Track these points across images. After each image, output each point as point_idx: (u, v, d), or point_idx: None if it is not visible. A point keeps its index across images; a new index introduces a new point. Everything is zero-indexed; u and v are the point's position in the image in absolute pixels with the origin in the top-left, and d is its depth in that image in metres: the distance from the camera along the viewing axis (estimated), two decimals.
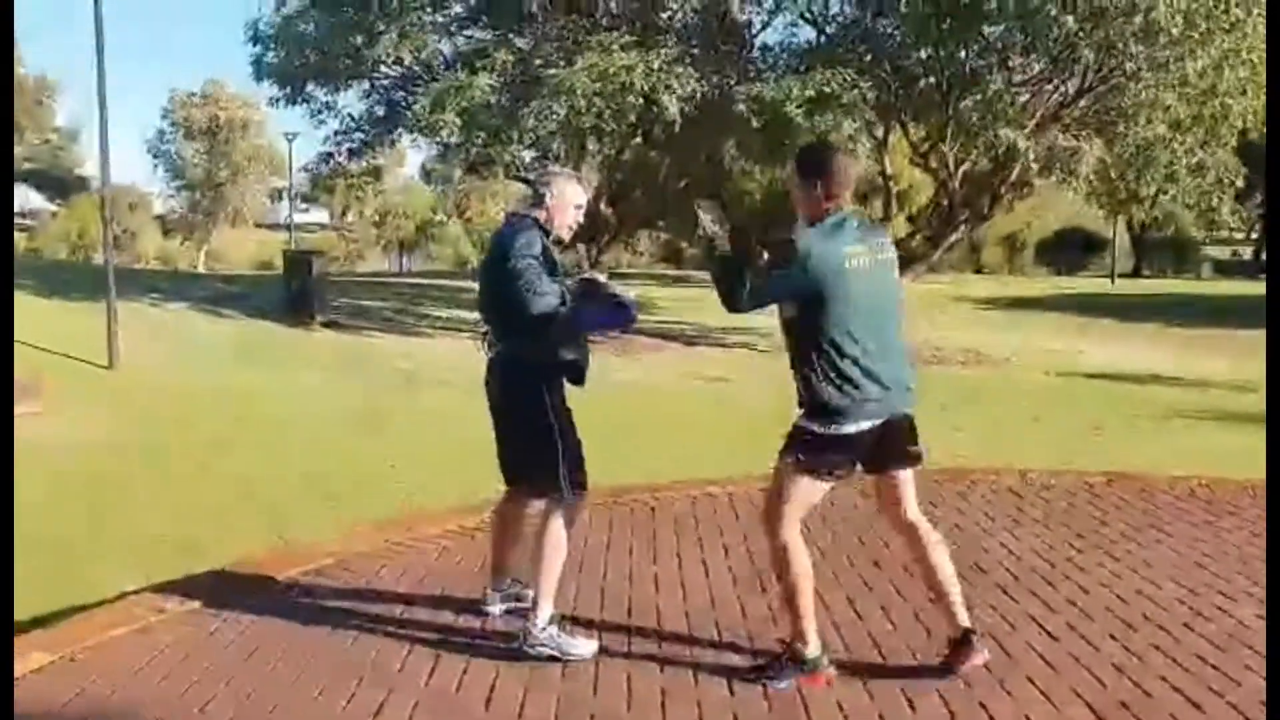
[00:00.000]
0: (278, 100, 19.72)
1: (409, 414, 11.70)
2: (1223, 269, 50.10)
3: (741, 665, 3.93)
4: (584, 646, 4.03)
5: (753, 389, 13.37)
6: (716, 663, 3.98)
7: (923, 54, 16.00)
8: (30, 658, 3.93)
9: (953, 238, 18.87)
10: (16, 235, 42.12)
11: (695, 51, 16.45)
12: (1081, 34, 14.33)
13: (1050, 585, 4.82)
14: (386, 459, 9.31)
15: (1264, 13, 15.38)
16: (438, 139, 16.97)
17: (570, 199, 4.16)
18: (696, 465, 7.67)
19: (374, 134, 20.50)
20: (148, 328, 16.16)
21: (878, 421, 3.71)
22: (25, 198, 57.30)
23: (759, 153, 17.57)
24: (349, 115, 20.38)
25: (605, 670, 3.91)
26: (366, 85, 20.01)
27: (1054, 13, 13.91)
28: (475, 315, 18.42)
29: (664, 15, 16.69)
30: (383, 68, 18.85)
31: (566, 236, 4.21)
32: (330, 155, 21.09)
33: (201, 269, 47.75)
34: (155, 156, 55.09)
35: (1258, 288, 34.30)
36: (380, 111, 20.21)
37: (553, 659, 3.94)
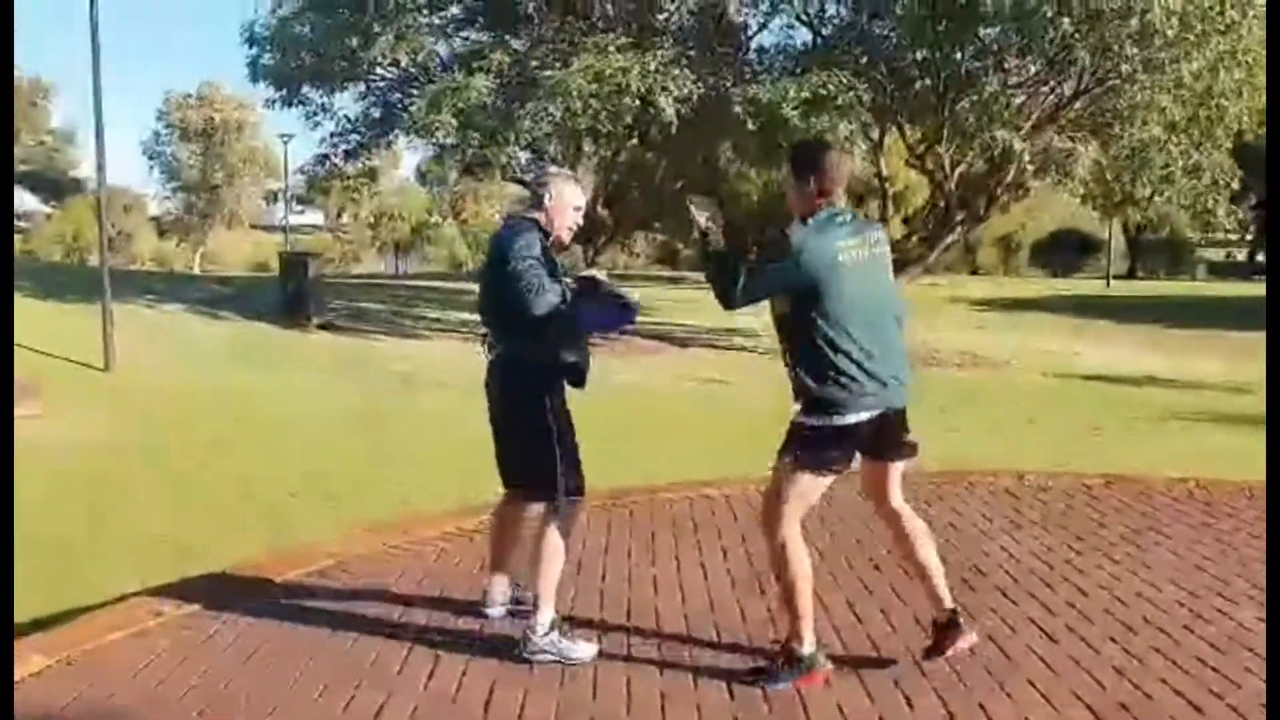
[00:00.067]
0: (273, 102, 19.73)
1: (406, 416, 11.70)
2: (1217, 270, 50.27)
3: (741, 668, 3.92)
4: (584, 650, 4.02)
5: (750, 391, 13.38)
6: (716, 665, 3.97)
7: (918, 56, 16.01)
8: (28, 661, 3.91)
9: (949, 239, 18.88)
10: None
11: (691, 53, 16.46)
12: (1077, 36, 14.35)
13: (1049, 588, 4.82)
14: (384, 461, 9.31)
15: (1259, 15, 15.43)
16: (433, 140, 16.96)
17: (569, 201, 4.15)
18: (694, 467, 7.66)
19: (370, 136, 20.48)
20: (143, 330, 16.14)
21: (876, 413, 3.72)
22: (20, 200, 57.10)
23: (755, 154, 17.60)
24: (345, 117, 20.39)
25: (605, 673, 3.90)
26: (362, 87, 20.00)
27: (1050, 15, 13.92)
28: (472, 317, 18.46)
29: (660, 17, 16.69)
30: (379, 69, 18.84)
31: (566, 239, 4.20)
32: (326, 157, 21.07)
33: (197, 271, 47.72)
34: (151, 158, 55.17)
35: (1252, 289, 34.40)
36: (376, 113, 20.19)
37: (553, 663, 3.94)
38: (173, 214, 57.97)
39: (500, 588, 4.46)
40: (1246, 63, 15.58)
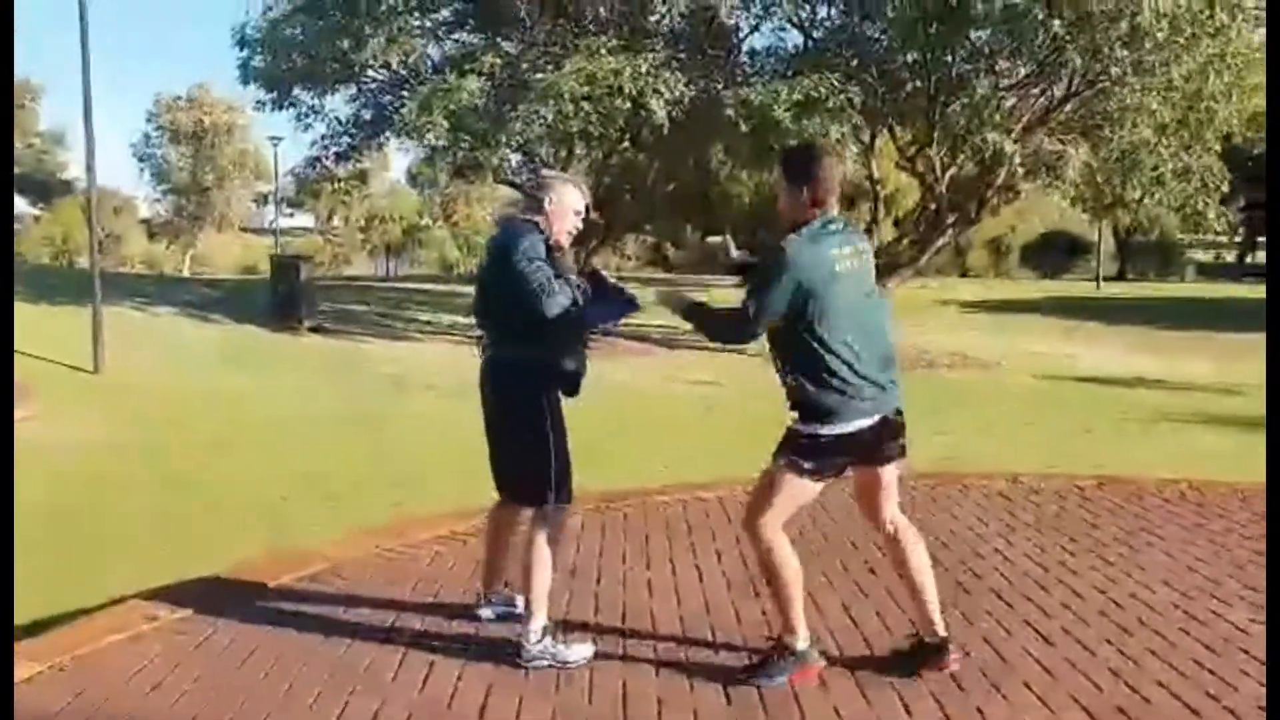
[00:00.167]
0: (264, 104, 19.70)
1: (398, 419, 11.68)
2: (1206, 272, 50.43)
3: (736, 670, 3.91)
4: (579, 652, 4.00)
5: (741, 393, 13.38)
6: (712, 668, 3.95)
7: (909, 58, 16.05)
8: (19, 667, 3.88)
9: (939, 242, 18.91)
10: None
11: (683, 56, 16.47)
12: (1068, 38, 14.40)
13: (1044, 590, 4.82)
14: (377, 464, 9.29)
15: (1248, 18, 15.51)
16: (425, 143, 16.94)
17: (569, 205, 4.12)
18: (688, 469, 7.66)
19: (361, 138, 20.48)
20: (133, 332, 16.09)
21: (875, 419, 3.71)
22: None
23: (747, 156, 17.61)
24: (336, 119, 20.40)
25: (600, 677, 3.89)
26: (354, 89, 20.00)
27: (1040, 17, 13.97)
28: (463, 319, 18.40)
29: (651, 19, 16.69)
30: (370, 72, 18.85)
31: (565, 242, 4.16)
32: (317, 159, 21.05)
33: (187, 273, 47.59)
34: (141, 160, 54.99)
35: (1242, 291, 34.55)
36: (367, 115, 20.18)
37: (549, 668, 3.92)
38: (162, 216, 57.83)
39: (494, 591, 4.44)
40: (1236, 66, 15.66)
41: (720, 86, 16.39)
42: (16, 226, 56.08)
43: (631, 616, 4.49)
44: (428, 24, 18.45)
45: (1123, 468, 7.98)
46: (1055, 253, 49.27)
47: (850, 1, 17.04)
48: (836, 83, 15.15)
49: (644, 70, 15.17)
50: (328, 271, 48.59)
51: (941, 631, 3.89)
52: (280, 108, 19.70)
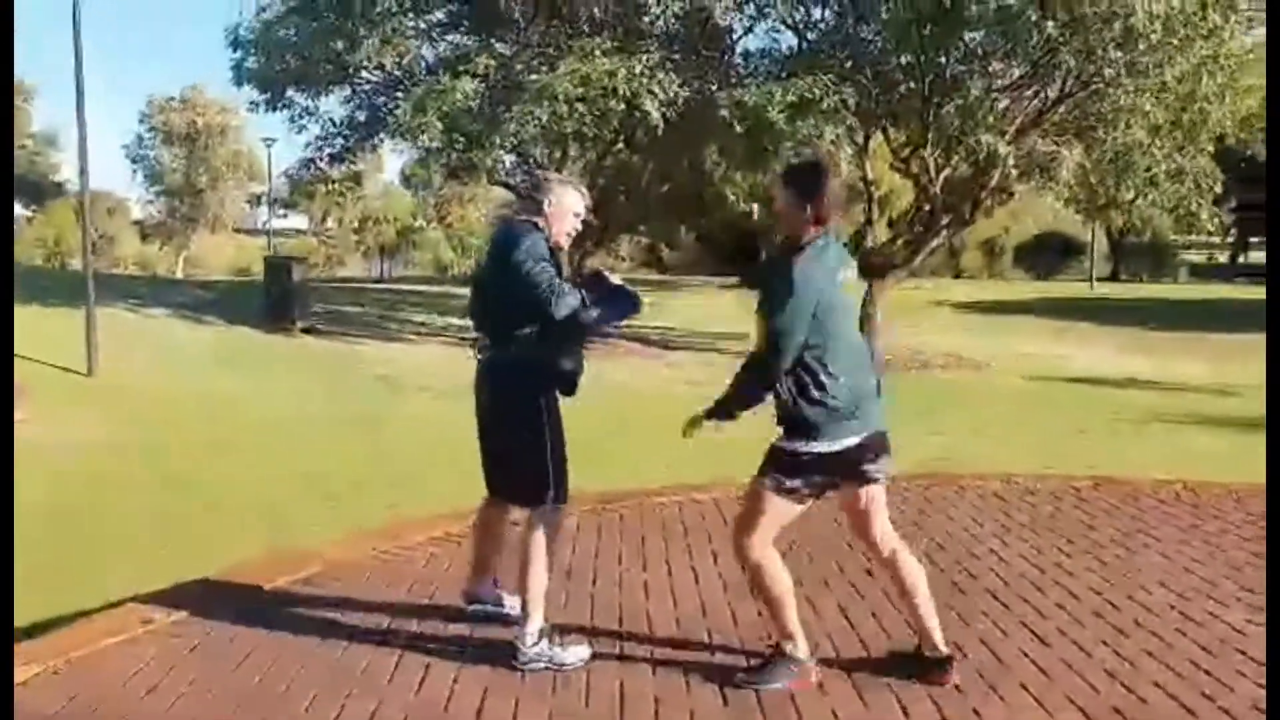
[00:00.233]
0: (258, 105, 19.65)
1: (392, 420, 11.67)
2: (1199, 273, 50.53)
3: (733, 671, 3.91)
4: (575, 654, 4.00)
5: None
6: (708, 670, 3.95)
7: (903, 60, 16.05)
8: (14, 669, 3.87)
9: (934, 243, 18.92)
10: None
11: (677, 57, 16.46)
12: (1061, 40, 14.43)
13: (1040, 591, 4.83)
14: (371, 465, 9.27)
15: (1241, 20, 15.56)
16: (419, 144, 16.92)
17: (569, 207, 4.11)
18: (686, 470, 7.65)
19: (355, 139, 20.44)
20: (126, 334, 16.05)
21: (860, 438, 3.71)
22: None
23: (741, 157, 17.59)
24: (330, 120, 20.34)
25: (597, 679, 3.88)
26: (348, 90, 19.96)
27: (1034, 19, 13.98)
28: (456, 320, 18.35)
29: (646, 21, 16.68)
30: (364, 73, 18.82)
31: (565, 244, 4.15)
32: (311, 161, 21.01)
33: (180, 275, 47.51)
34: (134, 162, 54.89)
35: (1234, 291, 34.65)
36: (361, 117, 20.15)
37: (545, 670, 3.92)
38: (156, 218, 57.71)
39: (481, 588, 4.44)
40: (1229, 67, 15.71)
41: (714, 88, 16.39)
42: None
43: (628, 618, 4.48)
44: (422, 25, 18.44)
45: (1117, 468, 7.99)
46: (1049, 254, 49.32)
47: (844, 3, 17.05)
48: (831, 84, 15.15)
49: (638, 71, 15.17)
50: (321, 273, 48.53)
51: (944, 649, 3.87)
52: (274, 109, 19.68)
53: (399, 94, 17.74)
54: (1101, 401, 13.86)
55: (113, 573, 5.94)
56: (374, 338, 19.02)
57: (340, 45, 16.90)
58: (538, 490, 4.03)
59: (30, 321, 16.12)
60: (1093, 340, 22.03)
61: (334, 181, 22.36)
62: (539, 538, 4.02)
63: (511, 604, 4.35)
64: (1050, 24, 14.05)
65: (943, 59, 15.77)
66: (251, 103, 19.86)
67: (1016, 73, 16.45)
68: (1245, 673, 3.90)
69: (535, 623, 3.98)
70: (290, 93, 19.40)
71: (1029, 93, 16.90)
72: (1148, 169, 16.29)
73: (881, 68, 16.58)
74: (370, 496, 8.00)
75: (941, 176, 17.49)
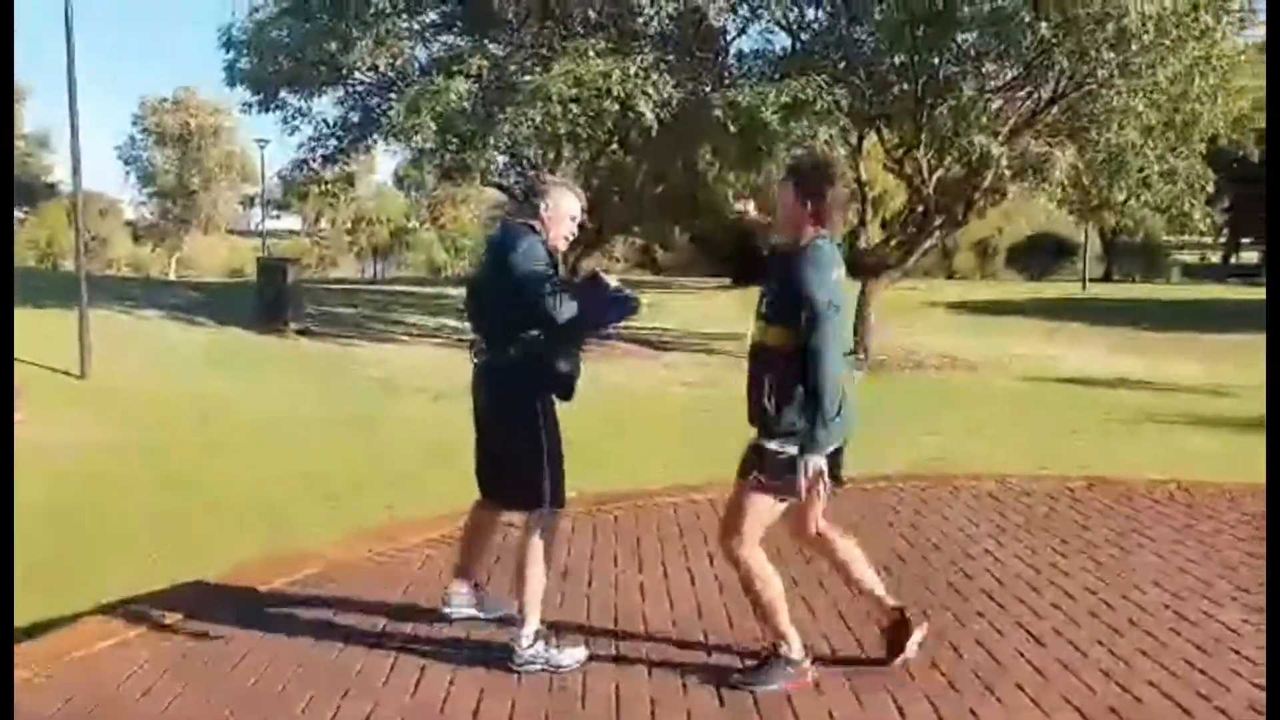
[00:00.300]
0: (251, 106, 19.61)
1: (386, 421, 11.64)
2: (1191, 273, 50.68)
3: (729, 673, 3.91)
4: (571, 655, 3.99)
5: (734, 395, 13.36)
6: (704, 671, 3.95)
7: (896, 61, 16.07)
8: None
9: (927, 243, 18.96)
10: None
11: (671, 58, 16.47)
12: (1054, 41, 14.46)
13: (1035, 591, 4.83)
14: (366, 467, 9.25)
15: (1233, 21, 15.61)
16: (413, 144, 16.91)
17: (566, 211, 4.11)
18: (683, 470, 7.65)
19: (348, 140, 20.42)
20: (119, 336, 16.00)
21: (840, 441, 3.74)
22: None
23: (735, 158, 17.60)
24: (323, 121, 20.31)
25: (593, 680, 3.88)
26: (341, 91, 19.93)
27: (1027, 20, 14.01)
28: (450, 321, 18.26)
29: (639, 21, 16.69)
30: (357, 74, 18.79)
31: (562, 248, 4.15)
32: (304, 162, 20.96)
33: (173, 276, 47.42)
34: (127, 163, 54.74)
35: (1227, 292, 34.74)
36: (355, 118, 20.13)
37: (542, 671, 3.91)
38: (148, 219, 57.59)
39: (462, 590, 4.43)
40: (1221, 68, 15.76)
41: (708, 89, 16.41)
42: None
43: (624, 619, 4.48)
44: (415, 26, 18.42)
45: (1111, 469, 8.00)
46: (1041, 254, 49.44)
47: (838, 4, 17.08)
48: (824, 85, 15.18)
49: (632, 73, 15.17)
50: (314, 274, 48.47)
51: (893, 601, 3.95)
52: (267, 110, 19.64)
53: (392, 95, 17.73)
54: (1095, 402, 13.87)
55: (110, 574, 5.91)
56: (367, 339, 18.98)
57: (333, 46, 16.88)
58: (535, 494, 4.03)
59: (23, 323, 16.02)
60: (1085, 340, 22.07)
61: (327, 183, 22.28)
62: (536, 541, 4.02)
63: (489, 608, 4.39)
64: (1043, 25, 14.10)
65: (936, 60, 15.80)
66: (245, 104, 19.83)
67: (1009, 74, 16.49)
68: (1240, 672, 3.91)
69: (532, 624, 3.98)
70: (283, 94, 19.38)
71: (1022, 94, 16.94)
72: (1140, 169, 16.33)
73: (875, 69, 16.61)
74: (366, 498, 7.98)
75: (935, 177, 17.52)
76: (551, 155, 18.95)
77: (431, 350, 17.67)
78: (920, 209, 18.58)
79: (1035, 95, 16.79)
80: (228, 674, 3.94)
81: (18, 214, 57.44)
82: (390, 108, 16.67)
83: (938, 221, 18.40)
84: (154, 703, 3.71)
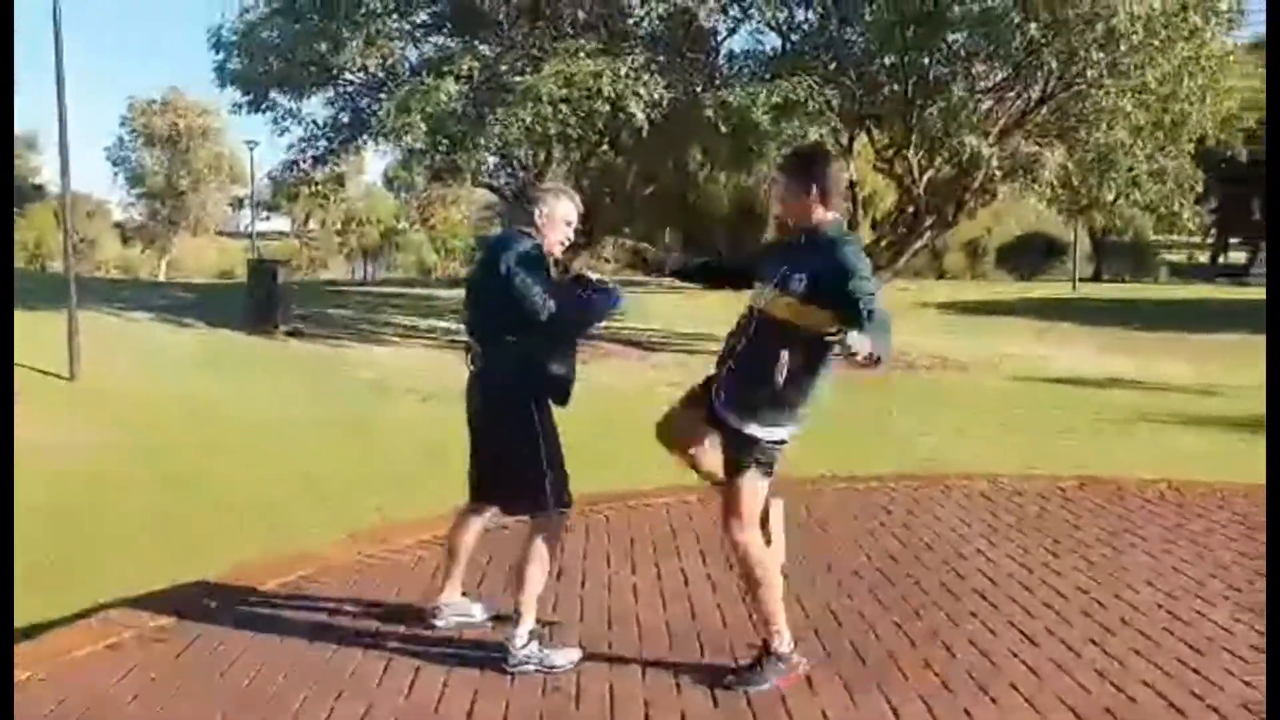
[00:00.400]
0: (241, 107, 19.55)
1: (378, 423, 11.61)
2: (1179, 273, 50.86)
3: (723, 673, 3.90)
4: (565, 656, 3.99)
5: None
6: (699, 671, 3.95)
7: (886, 61, 16.08)
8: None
9: (917, 244, 18.97)
10: None
11: (662, 59, 16.45)
12: (1044, 41, 14.49)
13: (1028, 591, 4.84)
14: (358, 468, 9.23)
15: (1222, 21, 15.66)
16: (403, 145, 16.88)
17: (561, 216, 4.11)
18: (671, 472, 7.64)
19: (338, 141, 20.35)
20: (108, 338, 15.93)
21: (795, 430, 3.81)
22: None
23: (725, 158, 17.61)
24: (313, 122, 20.25)
25: (587, 681, 3.88)
26: (331, 92, 19.88)
27: (1016, 20, 14.04)
28: (442, 323, 18.18)
29: (630, 22, 16.68)
30: (347, 75, 18.75)
31: (558, 253, 4.14)
32: (294, 163, 20.89)
33: (162, 278, 47.27)
34: (115, 164, 54.54)
35: (1215, 291, 34.87)
36: (345, 118, 20.06)
37: (535, 672, 3.91)
38: (137, 220, 57.41)
39: (451, 600, 4.42)
40: (1209, 68, 15.81)
41: (699, 89, 16.40)
42: None
43: (617, 620, 4.48)
44: (405, 27, 18.37)
45: (1102, 468, 8.02)
46: (1031, 254, 49.54)
47: (828, 5, 17.09)
48: (815, 85, 15.18)
49: (623, 73, 15.15)
50: (304, 275, 48.36)
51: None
52: (257, 111, 19.59)
53: (383, 96, 17.66)
54: (1085, 401, 13.90)
55: (105, 575, 5.88)
56: (357, 340, 18.93)
57: (324, 47, 16.83)
58: (536, 496, 4.02)
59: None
60: (1075, 340, 22.13)
61: (317, 184, 22.23)
62: (540, 543, 4.02)
63: (477, 612, 4.40)
64: (1033, 25, 14.12)
65: (926, 60, 15.82)
66: (235, 104, 19.74)
67: (999, 74, 16.51)
68: (1233, 671, 3.92)
69: (527, 625, 3.97)
70: (273, 94, 19.30)
71: (1011, 94, 16.96)
72: (1130, 169, 16.36)
73: (865, 69, 16.62)
74: (358, 499, 7.95)
75: (925, 178, 17.53)
76: (542, 156, 18.94)
77: (422, 351, 17.63)
78: (910, 209, 18.59)
79: (1025, 96, 16.82)
80: (221, 676, 3.93)
81: None
82: (380, 108, 16.62)
83: (928, 222, 18.42)
84: (147, 704, 3.70)
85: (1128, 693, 3.74)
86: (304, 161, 20.69)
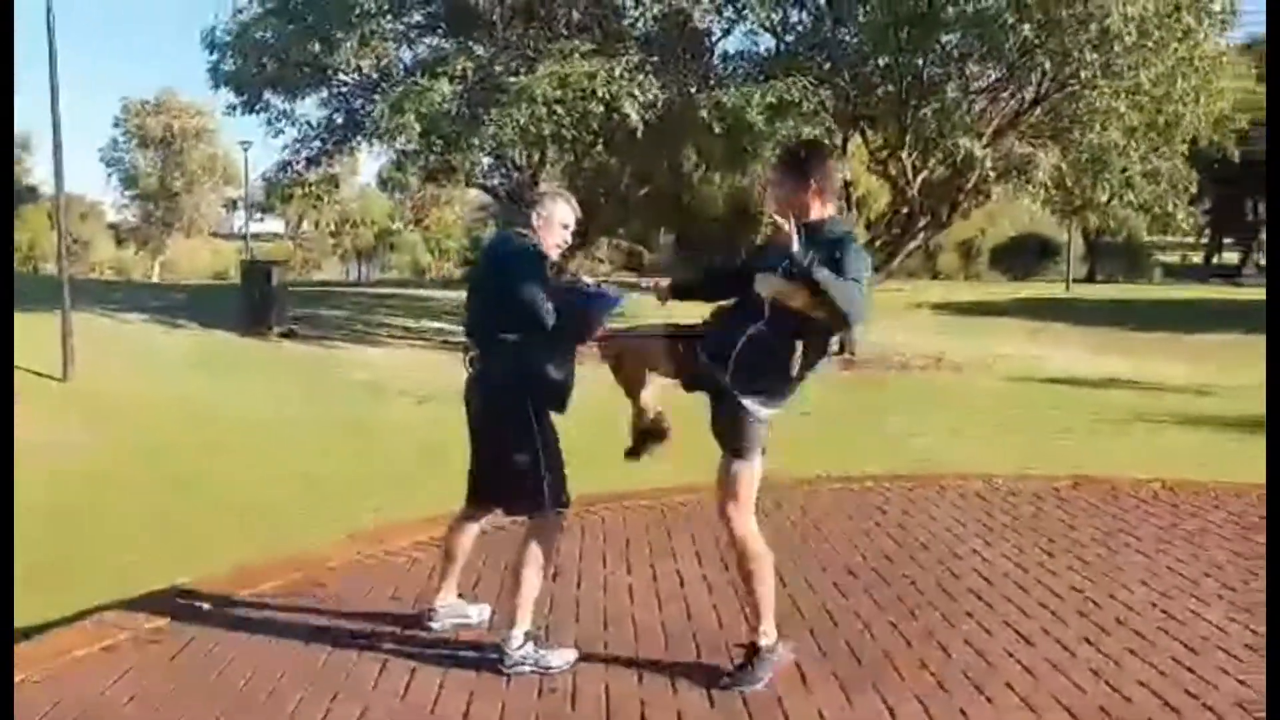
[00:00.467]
0: (234, 108, 19.51)
1: (373, 424, 11.60)
2: (1173, 273, 50.91)
3: (719, 674, 3.91)
4: (561, 657, 3.99)
5: None
6: (694, 672, 3.95)
7: (881, 62, 16.10)
8: None
9: (911, 245, 19.01)
10: None
11: (656, 59, 16.46)
12: (1038, 42, 14.52)
13: (1023, 591, 4.85)
14: (354, 469, 9.22)
15: (1215, 23, 15.70)
16: (396, 145, 16.86)
17: (559, 219, 4.12)
18: (664, 472, 7.64)
19: (332, 142, 20.32)
20: (102, 339, 15.90)
21: (777, 410, 3.84)
22: None
23: (720, 159, 17.61)
24: (307, 123, 20.22)
25: (583, 682, 3.87)
26: (325, 93, 19.86)
27: (1010, 21, 14.07)
28: (436, 324, 18.19)
29: (624, 23, 16.69)
30: (341, 75, 18.73)
31: (555, 255, 4.15)
32: (288, 164, 20.85)
33: (156, 279, 47.16)
34: (109, 166, 54.42)
35: (1208, 292, 34.92)
36: (339, 119, 20.04)
37: (531, 674, 3.91)
38: (131, 222, 57.28)
39: (446, 603, 4.42)
40: (1202, 69, 15.86)
41: (694, 90, 16.40)
42: None
43: (613, 621, 4.48)
44: (399, 27, 18.37)
45: (1097, 468, 8.03)
46: (1025, 255, 49.56)
47: (822, 6, 17.11)
48: (809, 86, 15.20)
49: (618, 74, 15.16)
50: (298, 276, 48.26)
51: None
52: (251, 111, 19.55)
53: (377, 96, 17.65)
54: (1079, 401, 13.92)
55: (98, 576, 5.87)
56: (352, 341, 18.91)
57: (318, 47, 16.82)
58: (535, 497, 4.02)
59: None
60: (1069, 341, 22.16)
61: (311, 184, 22.19)
62: (537, 544, 4.02)
63: (472, 614, 4.40)
64: (1026, 26, 14.15)
65: (920, 61, 15.84)
66: (229, 105, 19.72)
67: (993, 75, 16.55)
68: (1228, 670, 3.93)
69: (522, 626, 3.97)
70: (267, 95, 19.28)
71: (1005, 95, 17.00)
72: (1123, 170, 16.40)
73: (859, 70, 16.64)
74: (354, 500, 7.95)
75: (919, 178, 17.56)
76: (536, 157, 18.92)
77: (416, 352, 17.62)
78: (905, 210, 18.62)
79: (1018, 96, 16.86)
80: (217, 677, 3.92)
81: None
82: (375, 109, 16.60)
83: (922, 223, 18.45)
84: (142, 707, 3.69)
85: (1123, 692, 3.75)
86: (298, 162, 20.65)
